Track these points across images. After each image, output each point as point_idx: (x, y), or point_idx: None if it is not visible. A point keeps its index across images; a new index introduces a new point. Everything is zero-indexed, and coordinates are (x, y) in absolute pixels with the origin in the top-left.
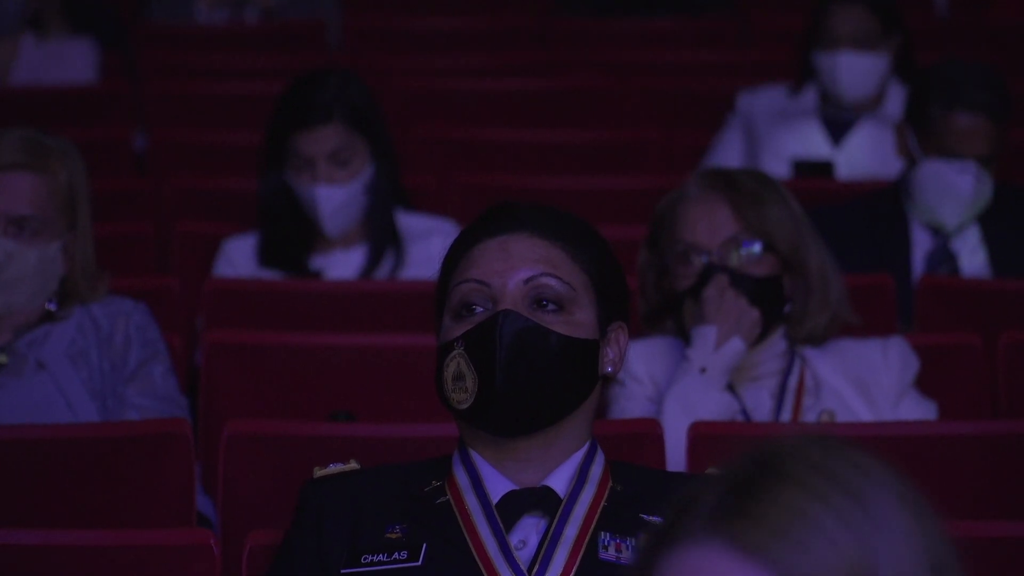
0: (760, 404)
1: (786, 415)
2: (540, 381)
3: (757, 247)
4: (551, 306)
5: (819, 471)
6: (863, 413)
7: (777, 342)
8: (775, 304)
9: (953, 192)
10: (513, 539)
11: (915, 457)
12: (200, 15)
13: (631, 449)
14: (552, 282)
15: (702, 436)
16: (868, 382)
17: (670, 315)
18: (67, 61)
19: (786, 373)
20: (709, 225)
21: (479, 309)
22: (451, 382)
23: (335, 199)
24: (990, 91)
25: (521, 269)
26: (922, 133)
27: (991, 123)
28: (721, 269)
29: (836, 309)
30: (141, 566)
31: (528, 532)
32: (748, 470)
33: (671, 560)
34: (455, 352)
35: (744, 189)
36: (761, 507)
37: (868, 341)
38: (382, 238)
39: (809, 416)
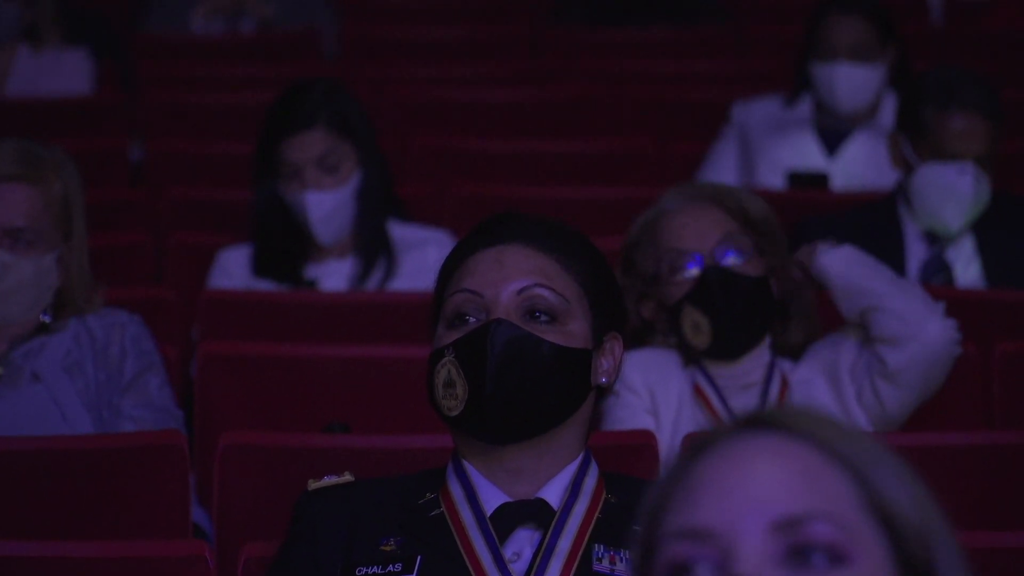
0: None
1: None
2: (531, 389)
3: (749, 245)
4: (544, 317)
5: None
6: (831, 405)
7: (764, 352)
8: (768, 305)
9: (954, 194)
10: (507, 551)
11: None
12: (195, 26)
13: (626, 461)
14: (545, 293)
15: None
16: (836, 368)
17: (652, 336)
18: (63, 72)
19: (767, 382)
20: (697, 230)
21: (472, 319)
22: (441, 389)
23: (325, 205)
24: (982, 90)
25: (514, 280)
26: (917, 139)
27: (986, 121)
28: (717, 268)
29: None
30: None
31: (522, 544)
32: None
33: (717, 452)
34: (445, 359)
35: (727, 195)
36: (793, 410)
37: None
38: (372, 247)
39: None
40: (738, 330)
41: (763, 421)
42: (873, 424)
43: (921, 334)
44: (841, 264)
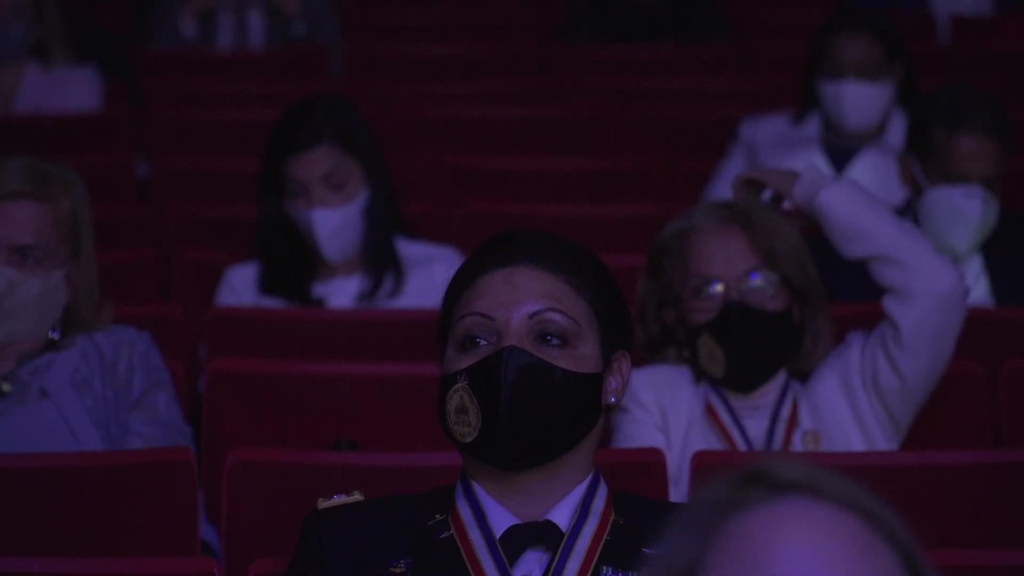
0: (760, 434)
1: (777, 444)
2: (544, 417)
3: (775, 278)
4: (555, 341)
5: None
6: (851, 426)
7: (780, 374)
8: (787, 339)
9: (962, 217)
10: (517, 574)
11: (917, 486)
12: (184, 28)
13: (635, 479)
14: (557, 317)
15: (705, 466)
16: (847, 373)
17: (671, 344)
18: (71, 88)
19: (779, 403)
20: (726, 257)
21: (483, 342)
22: (454, 415)
23: (332, 222)
24: (990, 111)
25: (526, 303)
26: (926, 160)
27: (994, 142)
28: (739, 303)
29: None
30: None
31: (531, 567)
32: (753, 466)
33: (758, 515)
34: (458, 385)
35: (759, 221)
36: (818, 471)
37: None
38: (380, 264)
39: (795, 440)
40: (754, 366)
41: (791, 485)
42: (894, 405)
43: (932, 288)
44: (845, 201)
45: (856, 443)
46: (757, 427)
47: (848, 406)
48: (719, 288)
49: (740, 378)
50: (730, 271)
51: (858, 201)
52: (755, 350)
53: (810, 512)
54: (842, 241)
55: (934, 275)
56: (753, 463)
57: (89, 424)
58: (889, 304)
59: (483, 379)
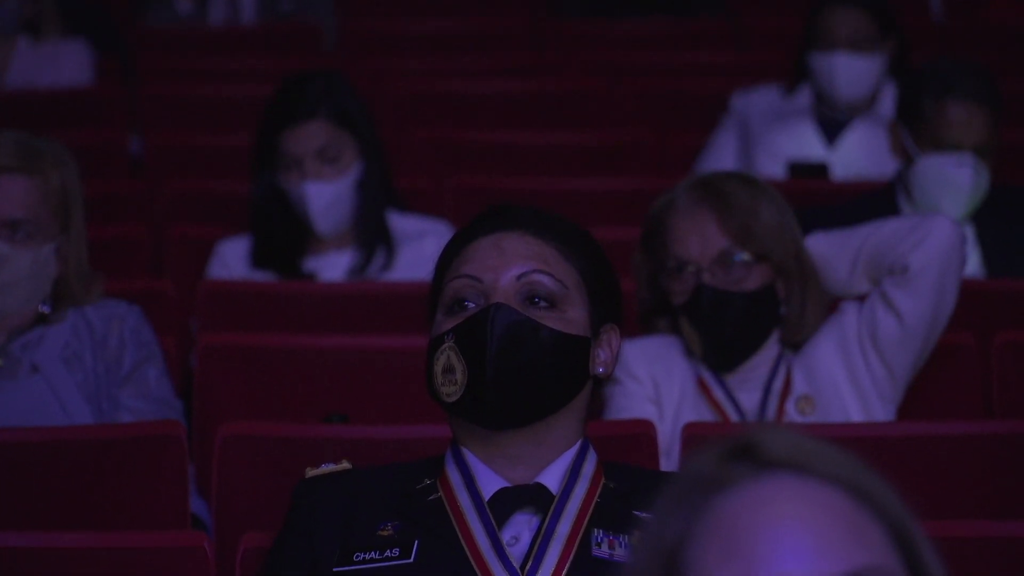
0: (753, 406)
1: (770, 416)
2: (530, 374)
3: (748, 258)
4: (543, 303)
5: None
6: (847, 390)
7: (771, 346)
8: (771, 313)
9: (953, 185)
10: (505, 535)
11: (910, 457)
12: (180, 5)
13: (625, 450)
14: (545, 279)
15: (695, 438)
16: (844, 337)
17: (665, 315)
18: (62, 63)
19: (771, 375)
20: (699, 240)
21: (471, 304)
22: (441, 375)
23: (325, 196)
24: (980, 80)
25: (514, 266)
26: (916, 129)
27: (984, 111)
28: (709, 288)
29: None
30: (135, 568)
31: (521, 528)
32: (741, 439)
33: (745, 494)
34: (445, 345)
35: (734, 201)
36: (807, 445)
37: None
38: (372, 238)
39: (788, 406)
40: (729, 348)
41: (778, 462)
42: (893, 357)
43: (934, 229)
44: (822, 237)
45: (851, 407)
46: (750, 399)
47: (845, 370)
48: (690, 271)
49: (717, 359)
50: (703, 254)
51: (833, 232)
52: (728, 333)
53: (795, 491)
54: (842, 257)
55: (931, 221)
56: (742, 435)
57: (80, 399)
58: (900, 257)
59: (470, 336)
